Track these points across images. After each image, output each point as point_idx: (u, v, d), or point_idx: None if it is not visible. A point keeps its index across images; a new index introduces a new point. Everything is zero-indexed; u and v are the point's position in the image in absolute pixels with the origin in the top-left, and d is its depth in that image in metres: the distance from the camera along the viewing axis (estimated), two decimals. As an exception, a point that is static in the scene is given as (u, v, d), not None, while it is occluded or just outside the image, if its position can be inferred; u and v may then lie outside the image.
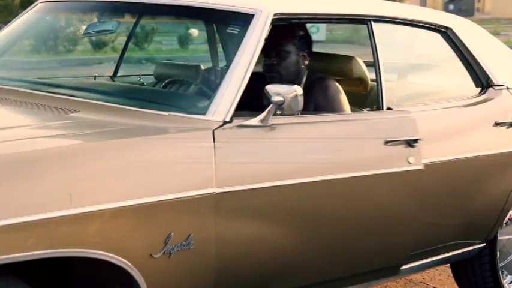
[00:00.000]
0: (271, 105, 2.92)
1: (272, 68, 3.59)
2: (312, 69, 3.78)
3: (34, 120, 3.00)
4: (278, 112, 2.94)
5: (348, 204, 3.23)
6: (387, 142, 3.30)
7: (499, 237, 4.10)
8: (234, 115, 2.90)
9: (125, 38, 4.48)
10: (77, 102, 3.11)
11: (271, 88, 2.95)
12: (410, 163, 3.36)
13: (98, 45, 14.14)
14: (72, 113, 2.95)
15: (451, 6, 32.67)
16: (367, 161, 3.27)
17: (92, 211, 2.44)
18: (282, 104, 2.91)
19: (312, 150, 3.10)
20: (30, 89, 3.33)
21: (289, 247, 3.03)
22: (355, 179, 3.18)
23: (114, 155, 2.61)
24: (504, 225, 4.12)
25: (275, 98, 2.91)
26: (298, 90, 2.94)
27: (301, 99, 2.95)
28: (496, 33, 20.06)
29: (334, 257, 3.30)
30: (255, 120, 2.93)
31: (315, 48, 3.82)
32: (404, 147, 3.36)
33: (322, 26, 18.29)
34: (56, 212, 2.37)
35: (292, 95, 2.92)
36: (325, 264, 3.28)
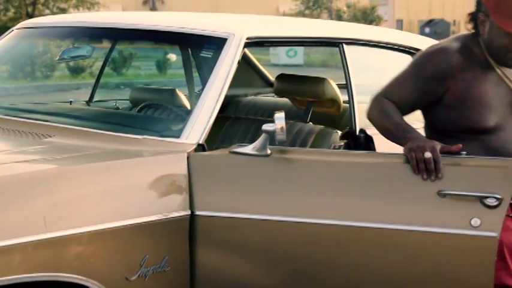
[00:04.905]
0: (265, 134, 2.74)
1: None
2: (285, 91, 3.78)
3: (9, 145, 3.00)
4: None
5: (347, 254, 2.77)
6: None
7: None
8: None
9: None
10: (52, 127, 3.11)
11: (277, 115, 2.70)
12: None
13: (76, 71, 14.12)
14: (47, 138, 2.96)
15: (427, 30, 32.99)
16: None
17: (68, 235, 2.45)
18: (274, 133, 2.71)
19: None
20: (5, 115, 3.33)
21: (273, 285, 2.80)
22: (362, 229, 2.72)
23: (89, 179, 2.61)
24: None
25: (276, 125, 2.69)
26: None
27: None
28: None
29: None
30: (248, 148, 2.79)
31: (293, 71, 3.82)
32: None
33: (300, 50, 18.40)
34: (32, 237, 2.37)
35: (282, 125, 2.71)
36: None
